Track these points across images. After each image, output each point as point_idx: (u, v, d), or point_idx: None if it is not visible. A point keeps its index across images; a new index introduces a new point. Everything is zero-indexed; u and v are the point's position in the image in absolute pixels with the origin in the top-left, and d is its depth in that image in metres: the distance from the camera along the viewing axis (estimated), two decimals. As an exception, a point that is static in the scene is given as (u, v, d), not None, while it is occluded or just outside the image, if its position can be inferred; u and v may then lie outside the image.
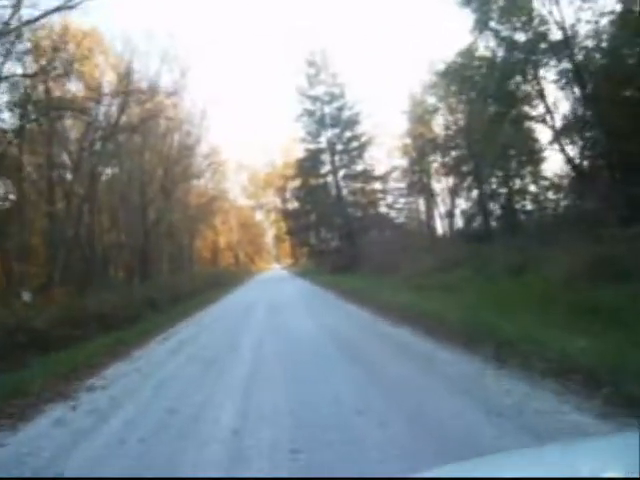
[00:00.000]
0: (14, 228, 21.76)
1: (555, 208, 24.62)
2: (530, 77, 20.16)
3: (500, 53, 20.47)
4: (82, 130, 25.68)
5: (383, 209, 41.85)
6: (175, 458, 4.59)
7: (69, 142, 26.19)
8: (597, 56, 18.85)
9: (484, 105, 22.50)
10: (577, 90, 19.57)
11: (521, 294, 9.99)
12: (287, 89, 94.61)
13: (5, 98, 19.65)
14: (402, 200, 43.14)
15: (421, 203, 45.12)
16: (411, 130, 41.12)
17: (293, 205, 51.43)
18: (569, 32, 18.63)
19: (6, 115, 20.53)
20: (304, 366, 7.89)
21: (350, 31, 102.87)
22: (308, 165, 42.12)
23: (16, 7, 15.47)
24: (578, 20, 18.35)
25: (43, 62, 19.22)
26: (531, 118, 21.84)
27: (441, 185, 40.70)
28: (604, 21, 17.87)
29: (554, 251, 13.37)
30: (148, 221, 32.25)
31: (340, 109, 39.92)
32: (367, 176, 40.87)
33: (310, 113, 40.52)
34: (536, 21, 19.25)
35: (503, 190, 28.30)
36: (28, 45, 17.86)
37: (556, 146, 20.97)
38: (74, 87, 24.61)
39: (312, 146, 41.64)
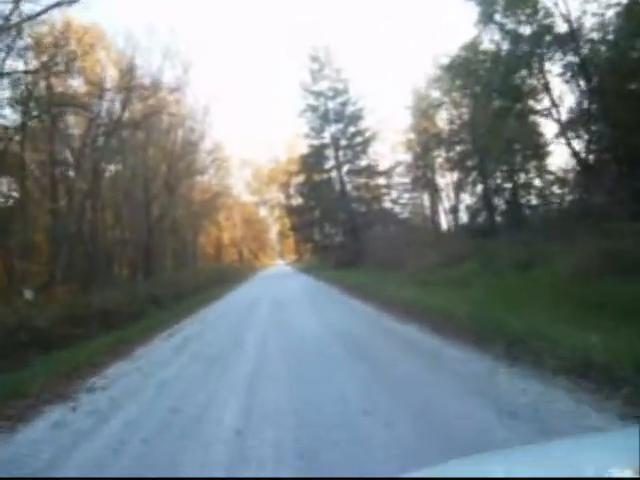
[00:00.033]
0: (17, 226, 21.68)
1: (560, 202, 24.51)
2: (535, 70, 19.99)
3: (505, 46, 20.37)
4: (85, 127, 25.59)
5: (387, 204, 41.81)
6: (177, 461, 4.49)
7: (72, 139, 26.11)
8: (603, 49, 18.67)
9: (489, 99, 22.36)
10: (582, 83, 19.42)
11: (529, 289, 9.87)
12: (290, 84, 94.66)
13: (7, 94, 19.58)
14: (406, 195, 43.14)
15: (425, 198, 45.09)
16: (415, 125, 41.02)
17: (297, 201, 51.40)
18: (575, 25, 18.49)
19: (8, 112, 20.49)
20: (308, 364, 7.76)
21: (353, 25, 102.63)
22: (312, 161, 42.03)
23: (16, 2, 15.37)
24: (584, 12, 18.21)
25: (45, 58, 19.11)
26: (536, 112, 21.69)
27: (445, 180, 40.69)
28: (610, 13, 17.71)
29: (561, 246, 13.26)
30: (152, 217, 32.20)
31: (344, 104, 39.79)
32: (371, 171, 40.76)
33: (314, 108, 40.41)
34: (541, 13, 19.11)
35: (508, 185, 28.19)
36: (29, 41, 17.74)
37: (561, 140, 20.91)
38: (76, 83, 24.56)
39: (316, 141, 41.55)
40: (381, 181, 41.88)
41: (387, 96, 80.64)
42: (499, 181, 29.10)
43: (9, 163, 21.21)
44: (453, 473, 1.71)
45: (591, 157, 20.54)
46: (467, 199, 34.34)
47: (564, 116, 20.32)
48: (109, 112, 26.04)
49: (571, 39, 18.49)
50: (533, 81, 20.50)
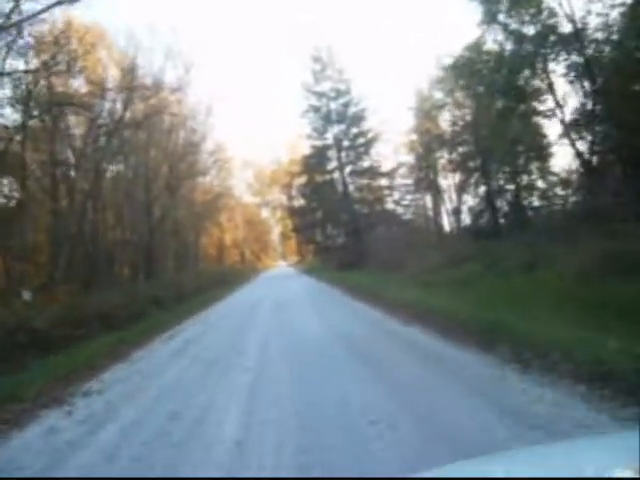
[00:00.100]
0: (17, 227, 21.56)
1: (564, 204, 24.34)
2: (539, 71, 19.86)
3: (508, 46, 20.21)
4: (86, 127, 25.51)
5: (390, 206, 41.62)
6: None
7: (73, 139, 26.03)
8: (607, 49, 18.52)
9: (492, 100, 22.24)
10: (587, 84, 19.28)
11: (535, 291, 9.72)
12: (292, 85, 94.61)
13: (7, 94, 19.46)
14: (409, 197, 42.93)
15: (428, 200, 44.87)
16: (417, 126, 40.87)
17: (299, 202, 51.22)
18: (579, 25, 18.34)
19: (8, 111, 20.38)
20: (311, 368, 7.62)
21: (355, 26, 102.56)
22: (314, 162, 41.91)
23: (17, 1, 15.25)
24: (588, 12, 18.04)
25: (45, 57, 19.00)
26: (539, 113, 21.55)
27: (448, 182, 40.48)
28: (614, 13, 17.56)
29: (565, 247, 13.12)
30: (153, 218, 32.12)
31: (346, 105, 39.66)
32: (374, 172, 40.60)
33: (316, 109, 40.28)
34: (545, 13, 18.97)
35: (511, 186, 28.03)
36: (30, 40, 17.62)
37: (565, 141, 20.73)
38: (77, 83, 24.47)
39: (318, 142, 41.40)
40: (383, 182, 41.70)
41: (390, 97, 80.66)
42: (502, 182, 28.95)
43: (10, 163, 21.08)
44: (454, 474, 1.72)
45: (595, 158, 20.40)
46: (470, 200, 34.17)
47: (568, 117, 20.18)
48: (110, 112, 25.98)
49: (575, 39, 18.35)
50: (537, 82, 20.36)
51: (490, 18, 19.88)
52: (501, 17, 19.75)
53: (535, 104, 21.37)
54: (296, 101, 68.03)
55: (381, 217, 39.15)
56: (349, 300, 17.62)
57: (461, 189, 36.62)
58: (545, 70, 19.80)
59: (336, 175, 40.96)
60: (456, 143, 33.24)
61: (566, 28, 18.70)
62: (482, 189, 30.75)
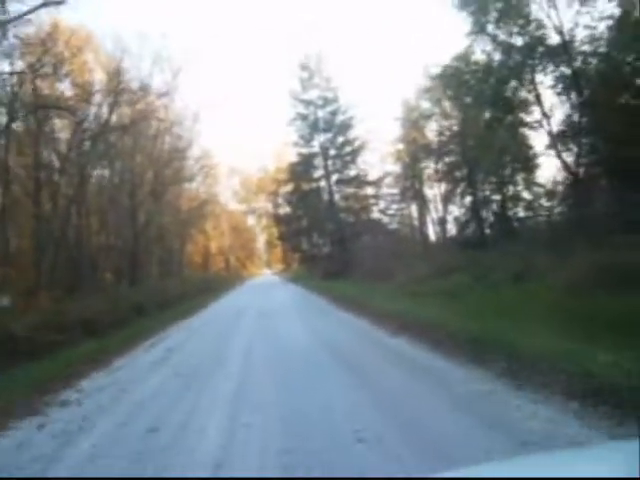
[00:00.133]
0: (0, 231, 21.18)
1: (549, 215, 24.44)
2: (526, 82, 19.91)
3: (497, 57, 20.26)
4: (71, 130, 25.22)
5: (375, 215, 41.51)
6: None
7: (58, 143, 25.71)
8: (594, 61, 18.60)
9: (479, 110, 22.30)
10: (574, 96, 19.35)
11: (524, 303, 9.63)
12: (280, 93, 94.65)
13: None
14: (395, 206, 42.86)
15: (414, 209, 44.87)
16: (404, 135, 40.91)
17: (285, 210, 51.05)
18: (567, 37, 18.42)
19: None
20: (296, 381, 7.43)
21: (343, 35, 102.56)
22: (301, 169, 41.82)
23: (2, 2, 15.04)
24: (576, 24, 18.13)
25: (32, 59, 18.76)
26: (526, 124, 21.59)
27: (434, 191, 40.53)
28: (602, 26, 17.65)
29: (552, 258, 13.09)
30: (138, 224, 31.81)
31: (333, 113, 39.62)
32: (360, 181, 40.55)
33: (303, 117, 40.22)
34: (533, 25, 19.02)
35: (497, 197, 28.10)
36: (15, 41, 17.38)
37: (551, 152, 20.81)
38: (63, 86, 24.22)
39: (305, 150, 41.33)
40: (370, 191, 41.65)
41: (377, 106, 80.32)
42: (488, 193, 29.04)
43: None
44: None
45: (581, 170, 20.46)
46: (455, 211, 34.22)
47: (555, 128, 20.24)
48: (96, 116, 25.75)
49: (563, 51, 18.42)
50: (524, 93, 20.39)
51: (479, 28, 19.92)
52: (490, 28, 19.80)
53: (522, 115, 21.40)
54: (283, 109, 68.16)
55: (367, 226, 39.07)
56: (335, 310, 17.47)
57: (447, 199, 36.67)
58: (533, 81, 19.86)
59: (322, 183, 40.89)
60: (443, 153, 33.33)
61: (554, 40, 18.80)
62: (468, 199, 30.83)
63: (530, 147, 23.99)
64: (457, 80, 22.22)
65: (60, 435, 5.82)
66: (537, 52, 19.00)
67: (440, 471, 1.83)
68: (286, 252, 66.10)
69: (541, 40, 18.92)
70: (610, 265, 9.85)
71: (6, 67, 18.74)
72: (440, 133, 34.12)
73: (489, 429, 4.56)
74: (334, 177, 40.40)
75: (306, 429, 5.19)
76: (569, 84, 18.95)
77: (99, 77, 27.63)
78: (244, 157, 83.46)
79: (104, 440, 5.53)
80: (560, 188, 22.99)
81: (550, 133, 20.22)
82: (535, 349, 6.15)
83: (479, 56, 21.32)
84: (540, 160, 23.75)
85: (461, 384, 6.12)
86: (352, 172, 40.59)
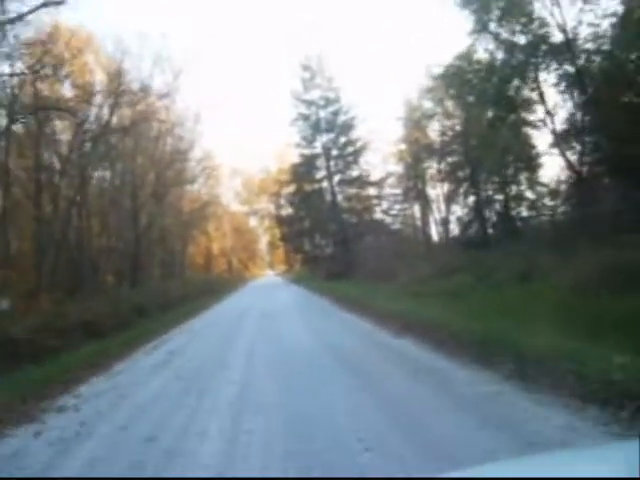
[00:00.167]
0: (0, 233, 21.12)
1: (552, 214, 24.33)
2: (529, 81, 19.79)
3: (499, 56, 20.13)
4: (72, 132, 25.17)
5: (378, 215, 41.40)
6: None
7: (58, 144, 25.64)
8: (598, 59, 18.48)
9: (482, 109, 22.18)
10: (577, 94, 19.24)
11: (529, 302, 9.47)
12: (282, 93, 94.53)
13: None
14: (397, 206, 42.75)
15: (416, 209, 44.79)
16: (407, 136, 40.80)
17: (287, 211, 51.03)
18: (570, 35, 18.29)
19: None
20: (298, 382, 7.34)
21: (345, 34, 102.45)
22: (303, 170, 41.71)
23: (1, 3, 14.96)
24: (579, 22, 18.00)
25: (32, 61, 18.69)
26: (529, 123, 21.48)
27: (436, 191, 40.42)
28: (605, 24, 17.53)
29: (556, 258, 12.97)
30: (139, 226, 31.74)
31: (335, 113, 39.51)
32: (362, 182, 40.43)
33: (305, 117, 40.10)
34: (536, 23, 18.91)
35: (499, 196, 28.00)
36: (15, 43, 17.29)
37: (554, 151, 20.75)
38: (63, 88, 24.16)
39: (307, 151, 41.21)
40: (372, 192, 41.53)
41: (379, 106, 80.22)
42: (490, 192, 28.93)
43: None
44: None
45: (585, 169, 20.34)
46: (458, 211, 34.13)
47: (558, 127, 20.12)
48: (97, 117, 25.71)
49: (566, 49, 18.30)
50: (527, 91, 20.27)
51: (481, 27, 19.80)
52: (492, 26, 19.67)
53: (525, 114, 21.29)
54: (285, 109, 68.14)
55: (369, 227, 38.95)
56: (338, 310, 17.38)
57: (450, 199, 36.58)
58: (536, 80, 19.74)
59: (325, 184, 40.78)
60: (445, 153, 33.25)
61: (557, 38, 18.68)
62: (471, 199, 30.73)
63: (533, 146, 23.93)
64: (459, 79, 22.11)
65: (57, 443, 5.67)
66: (540, 50, 18.88)
67: (444, 471, 1.80)
68: (288, 253, 66.10)
69: (544, 38, 18.80)
70: (615, 264, 9.74)
71: (6, 69, 18.68)
72: (442, 133, 34.04)
73: (496, 429, 4.45)
74: (336, 178, 40.31)
75: (309, 431, 5.11)
76: (572, 82, 18.84)
77: (99, 78, 27.61)
78: (245, 158, 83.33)
79: (103, 448, 5.40)
80: (563, 187, 22.92)
81: (553, 132, 20.11)
82: (539, 349, 6.02)
83: (481, 55, 21.25)
84: (543, 159, 23.72)
85: (465, 385, 6.03)
86: (354, 173, 40.48)
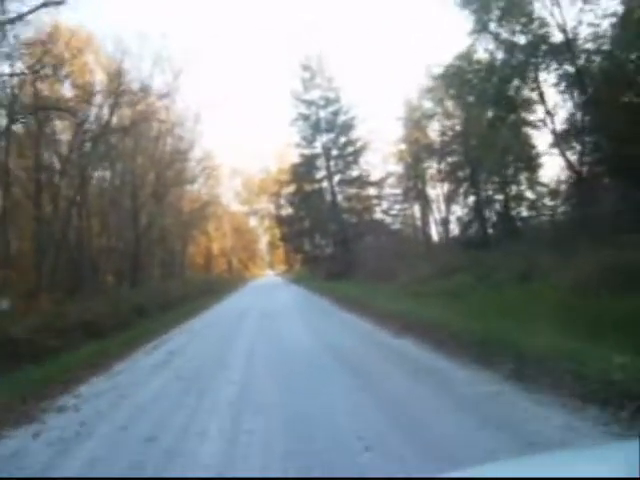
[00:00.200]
0: (0, 233, 21.12)
1: (552, 214, 24.32)
2: (529, 81, 19.78)
3: (499, 56, 20.13)
4: (72, 132, 25.16)
5: (378, 215, 41.38)
6: None
7: (58, 144, 25.63)
8: (598, 59, 18.48)
9: (482, 109, 22.17)
10: (577, 94, 19.23)
11: (529, 302, 9.47)
12: (282, 93, 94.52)
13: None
14: (397, 206, 42.74)
15: (416, 209, 44.78)
16: (407, 136, 40.78)
17: (287, 211, 51.03)
18: (570, 35, 18.29)
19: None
20: (298, 382, 7.34)
21: (345, 34, 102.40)
22: (303, 170, 41.69)
23: (1, 2, 14.95)
24: (579, 22, 18.00)
25: (31, 61, 18.68)
26: (529, 123, 21.47)
27: (436, 191, 40.41)
28: (605, 24, 17.53)
29: (556, 258, 12.97)
30: (139, 226, 31.74)
31: (335, 113, 39.49)
32: (362, 182, 40.41)
33: (305, 117, 40.08)
34: (536, 23, 18.91)
35: (499, 196, 28.00)
36: (15, 43, 17.28)
37: (554, 151, 20.74)
38: (63, 88, 24.15)
39: (307, 151, 41.19)
40: (372, 192, 41.50)
41: (379, 106, 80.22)
42: (490, 192, 28.93)
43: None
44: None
45: (585, 169, 20.33)
46: (458, 211, 34.13)
47: (558, 127, 20.11)
48: (97, 117, 25.71)
49: (566, 49, 18.30)
50: (527, 91, 20.27)
51: (481, 27, 19.80)
52: (492, 26, 19.67)
53: (525, 114, 21.29)
54: (285, 109, 68.09)
55: (369, 227, 38.92)
56: (338, 310, 17.37)
57: (450, 199, 36.57)
58: (536, 80, 19.73)
59: (325, 184, 40.76)
60: (445, 153, 33.24)
61: (557, 38, 18.68)
62: (471, 199, 30.73)
63: (533, 146, 23.94)
64: (459, 79, 22.11)
65: (57, 443, 5.67)
66: (540, 50, 18.88)
67: (444, 471, 1.80)
68: (288, 253, 66.09)
69: (544, 38, 18.80)
70: (615, 264, 9.73)
71: (6, 69, 18.67)
72: (442, 133, 34.03)
73: (496, 429, 4.45)
74: (336, 178, 40.29)
75: (309, 431, 5.11)
76: (572, 82, 18.84)
77: (99, 78, 27.62)
78: (246, 158, 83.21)
79: (103, 448, 5.39)
80: (563, 187, 22.93)
81: (553, 132, 20.11)
82: (539, 349, 6.02)
83: (481, 55, 21.25)
84: (543, 159, 23.73)
85: (465, 385, 6.03)
86: (354, 173, 40.46)
